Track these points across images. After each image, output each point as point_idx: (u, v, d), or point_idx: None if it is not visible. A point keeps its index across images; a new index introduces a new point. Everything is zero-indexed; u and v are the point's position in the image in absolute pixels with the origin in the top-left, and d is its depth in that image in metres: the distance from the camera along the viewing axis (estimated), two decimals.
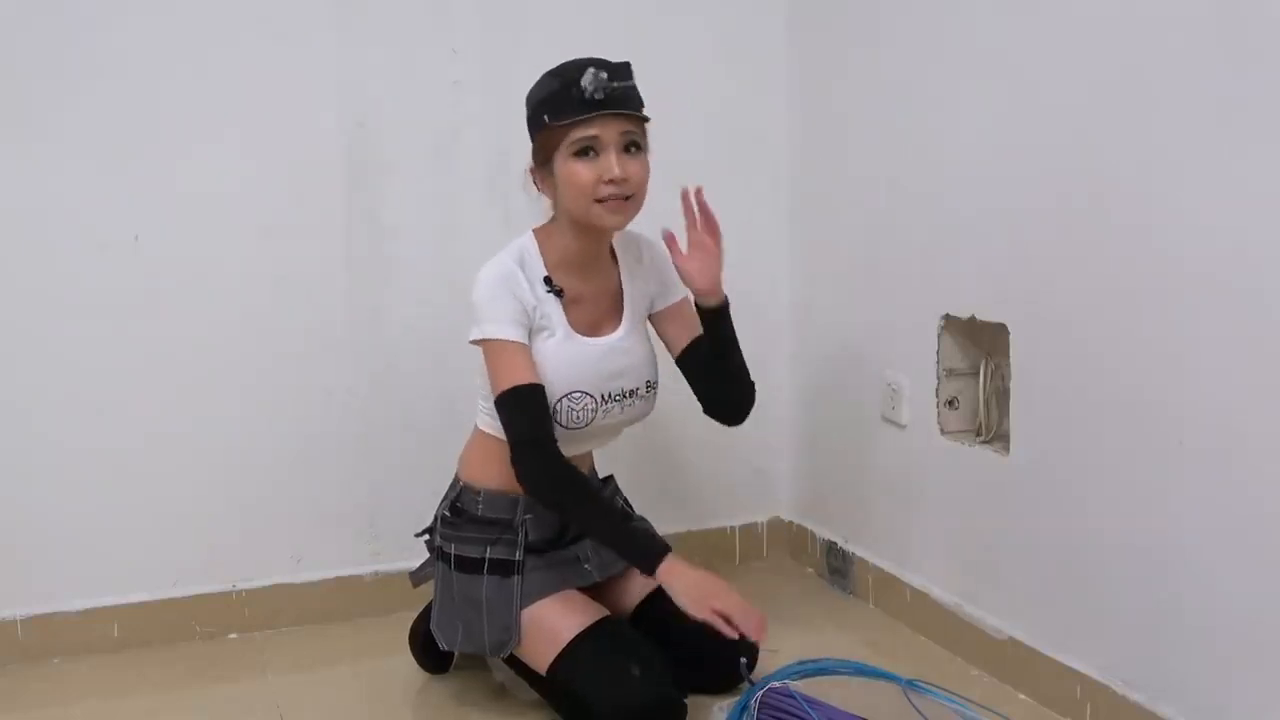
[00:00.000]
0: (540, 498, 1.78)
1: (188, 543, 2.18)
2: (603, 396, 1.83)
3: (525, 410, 1.74)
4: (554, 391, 1.78)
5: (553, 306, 1.81)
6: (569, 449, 1.85)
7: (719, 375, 1.93)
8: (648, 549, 1.74)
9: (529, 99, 1.79)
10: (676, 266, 1.87)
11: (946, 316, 2.05)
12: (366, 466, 2.26)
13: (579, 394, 1.80)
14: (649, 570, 1.72)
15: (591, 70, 1.70)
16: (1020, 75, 1.82)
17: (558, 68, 1.75)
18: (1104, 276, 1.68)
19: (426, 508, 1.98)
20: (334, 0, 2.16)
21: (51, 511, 2.10)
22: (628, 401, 1.87)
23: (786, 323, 2.54)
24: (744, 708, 1.73)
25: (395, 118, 2.23)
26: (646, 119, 1.79)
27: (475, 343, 1.78)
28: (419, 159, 2.24)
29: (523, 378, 1.74)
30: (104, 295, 2.09)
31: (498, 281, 1.77)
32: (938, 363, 2.08)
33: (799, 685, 1.77)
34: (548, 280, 1.81)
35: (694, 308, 1.92)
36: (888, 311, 2.20)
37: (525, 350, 1.76)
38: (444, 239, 2.25)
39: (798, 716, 1.67)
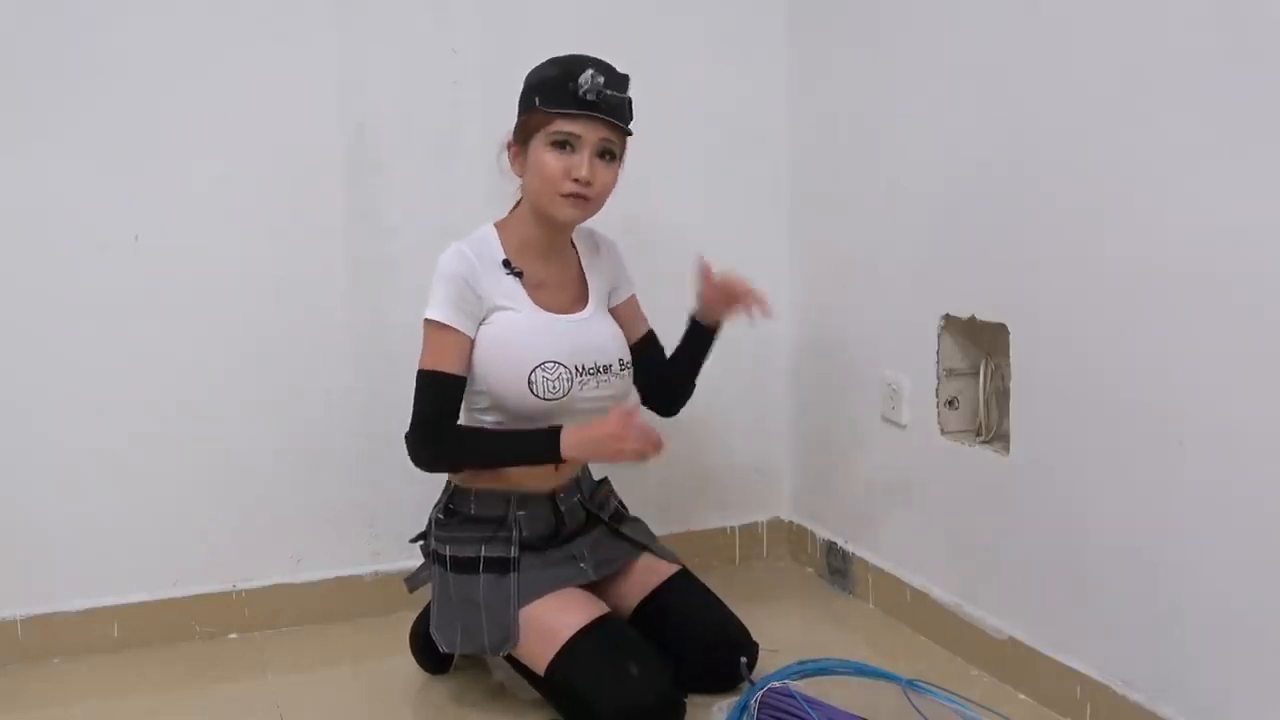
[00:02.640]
0: (431, 468, 1.84)
1: (188, 543, 2.18)
2: (577, 368, 1.84)
3: (439, 396, 1.81)
4: (527, 362, 1.81)
5: (514, 287, 1.85)
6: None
7: (680, 376, 2.04)
8: (544, 443, 1.79)
9: (528, 77, 1.85)
10: (705, 292, 1.96)
11: (946, 316, 2.05)
12: (366, 466, 2.26)
13: (552, 364, 1.82)
14: (556, 458, 1.78)
15: (590, 72, 1.75)
16: (1020, 75, 1.82)
17: (563, 57, 1.81)
18: (1104, 277, 1.68)
19: (426, 508, 1.98)
20: (334, 0, 2.16)
21: (51, 511, 2.10)
22: (603, 377, 1.87)
23: (786, 323, 2.54)
24: (744, 708, 1.73)
25: (395, 118, 2.23)
26: (629, 132, 1.84)
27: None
28: (419, 159, 2.24)
29: (448, 365, 1.80)
30: (104, 295, 2.09)
31: (451, 268, 1.83)
32: (938, 363, 2.08)
33: (799, 685, 1.77)
34: (506, 263, 1.86)
35: (638, 306, 2.05)
36: (888, 311, 2.20)
37: (462, 341, 1.81)
38: (444, 239, 2.24)
39: (798, 716, 1.67)
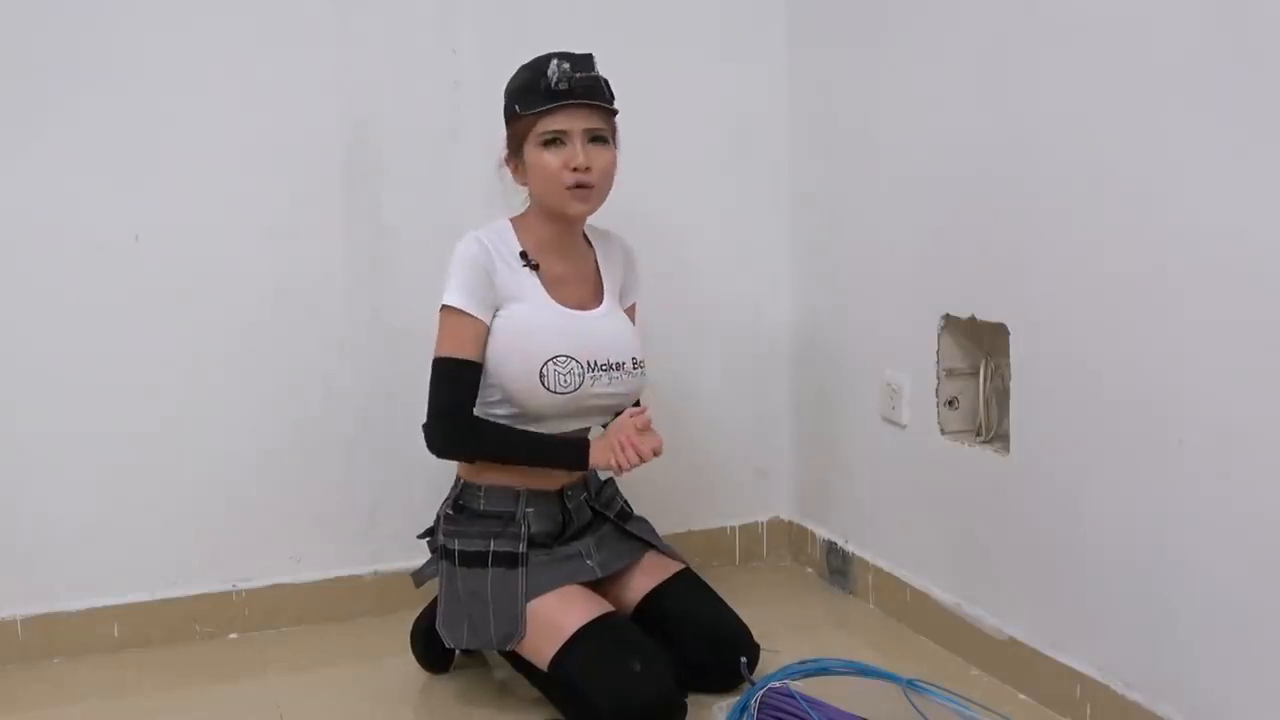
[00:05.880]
0: (452, 457, 1.87)
1: (188, 543, 2.18)
2: (589, 364, 1.85)
3: (453, 383, 1.82)
4: (539, 355, 1.82)
5: (530, 280, 1.86)
6: (563, 424, 1.88)
7: None
8: (574, 450, 1.83)
9: (505, 90, 1.88)
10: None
11: (946, 316, 2.05)
12: (366, 466, 2.26)
13: (564, 358, 1.82)
14: (584, 465, 1.84)
15: (555, 61, 1.80)
16: (1021, 75, 1.82)
17: (531, 61, 1.85)
18: (1104, 276, 1.68)
19: (426, 507, 1.98)
20: (334, 0, 2.16)
21: (51, 511, 2.10)
22: (615, 374, 1.88)
23: (786, 323, 2.54)
24: (744, 708, 1.73)
25: (395, 118, 2.23)
26: (614, 111, 1.87)
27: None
28: (419, 159, 2.24)
29: (462, 351, 1.81)
30: (104, 295, 2.09)
31: (469, 254, 1.85)
32: (938, 363, 2.08)
33: (799, 685, 1.77)
34: (523, 255, 1.87)
35: (635, 317, 2.04)
36: (888, 311, 2.20)
37: (477, 326, 1.82)
38: (444, 239, 2.24)
39: (798, 716, 1.67)
